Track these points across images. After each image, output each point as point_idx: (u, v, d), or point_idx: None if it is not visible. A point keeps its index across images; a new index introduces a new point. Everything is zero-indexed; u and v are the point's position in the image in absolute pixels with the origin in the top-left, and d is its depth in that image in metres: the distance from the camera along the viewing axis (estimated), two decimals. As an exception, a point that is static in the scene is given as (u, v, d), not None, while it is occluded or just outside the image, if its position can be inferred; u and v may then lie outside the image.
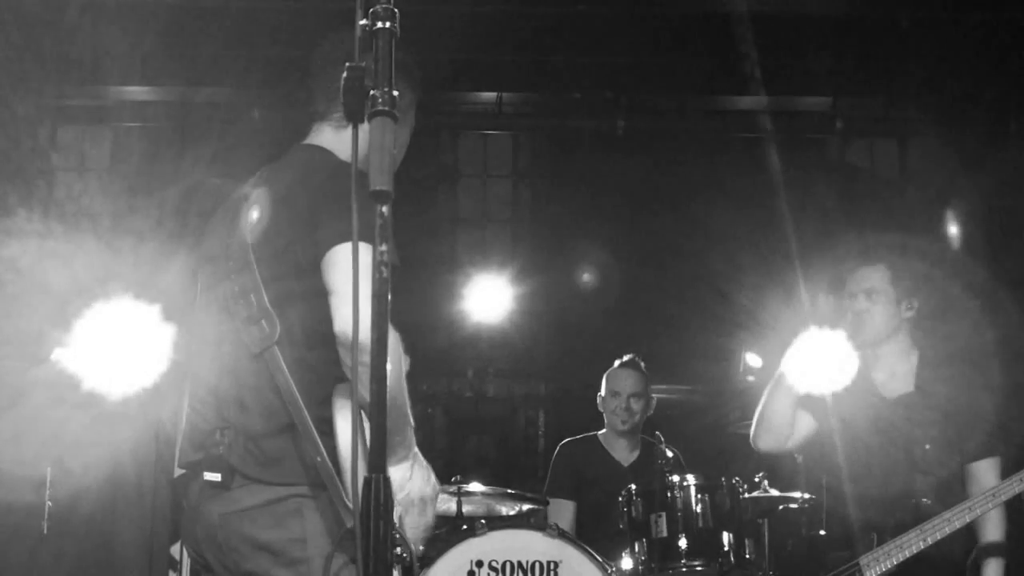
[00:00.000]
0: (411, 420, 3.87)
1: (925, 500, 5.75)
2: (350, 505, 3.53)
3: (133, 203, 9.83)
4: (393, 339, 3.44)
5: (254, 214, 4.02)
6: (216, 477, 3.83)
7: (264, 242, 3.91)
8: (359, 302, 2.75)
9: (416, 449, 3.93)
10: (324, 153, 4.09)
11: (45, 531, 7.33)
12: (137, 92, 9.99)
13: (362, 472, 2.51)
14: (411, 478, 3.90)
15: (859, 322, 6.13)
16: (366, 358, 3.56)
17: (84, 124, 10.85)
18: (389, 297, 2.45)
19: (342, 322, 3.64)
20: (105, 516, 7.92)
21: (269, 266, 3.85)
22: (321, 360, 3.73)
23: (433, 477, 4.00)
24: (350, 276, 3.62)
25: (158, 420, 8.10)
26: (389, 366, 2.52)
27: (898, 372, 6.10)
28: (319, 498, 3.73)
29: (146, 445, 8.11)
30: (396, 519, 3.87)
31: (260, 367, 3.79)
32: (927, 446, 5.87)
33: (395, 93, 2.46)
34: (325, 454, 3.69)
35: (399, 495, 3.84)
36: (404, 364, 3.85)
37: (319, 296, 3.73)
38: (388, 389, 3.25)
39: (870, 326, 6.10)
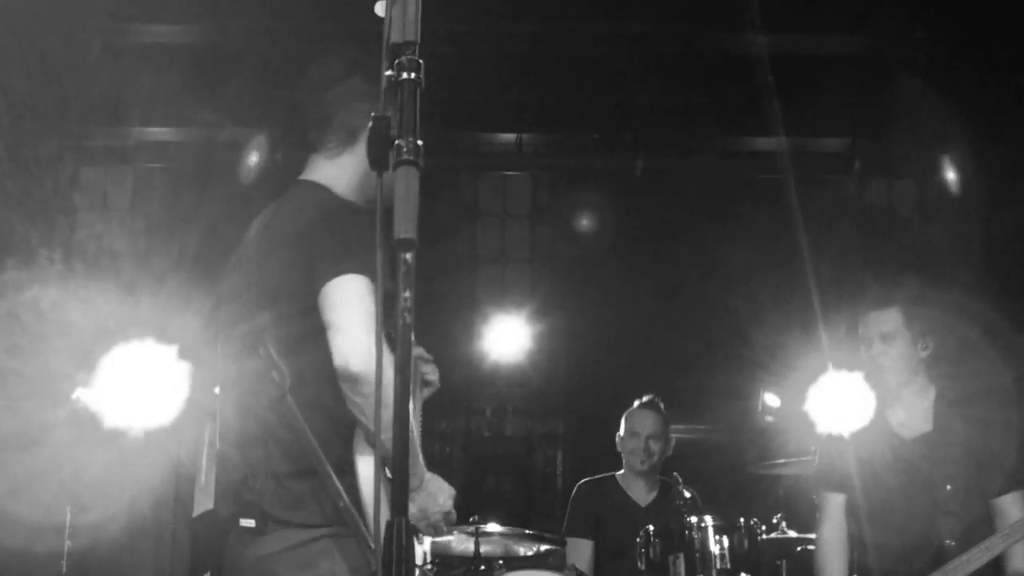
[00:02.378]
0: (419, 451, 3.92)
1: (949, 542, 5.69)
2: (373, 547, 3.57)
3: (154, 243, 9.87)
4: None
5: (258, 255, 4.06)
6: (251, 523, 3.89)
7: (269, 283, 3.95)
8: (378, 337, 2.78)
9: (427, 475, 3.97)
10: (319, 189, 4.09)
11: (64, 571, 7.36)
12: (159, 133, 10.05)
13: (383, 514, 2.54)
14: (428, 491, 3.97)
15: (877, 367, 6.08)
16: (367, 389, 3.62)
17: (106, 164, 10.91)
18: (413, 340, 2.47)
19: (340, 356, 3.68)
20: (124, 555, 7.94)
21: (276, 308, 3.89)
22: (337, 400, 3.76)
23: (444, 487, 4.05)
24: (345, 310, 3.69)
25: (177, 458, 8.14)
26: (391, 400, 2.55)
27: (916, 411, 6.03)
28: (347, 538, 3.77)
29: (165, 483, 8.13)
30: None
31: (278, 414, 3.82)
32: (948, 487, 5.78)
33: (420, 143, 2.49)
34: (347, 498, 3.73)
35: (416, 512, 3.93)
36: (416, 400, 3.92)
37: (324, 335, 3.76)
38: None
39: (890, 370, 6.05)
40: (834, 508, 6.20)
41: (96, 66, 9.19)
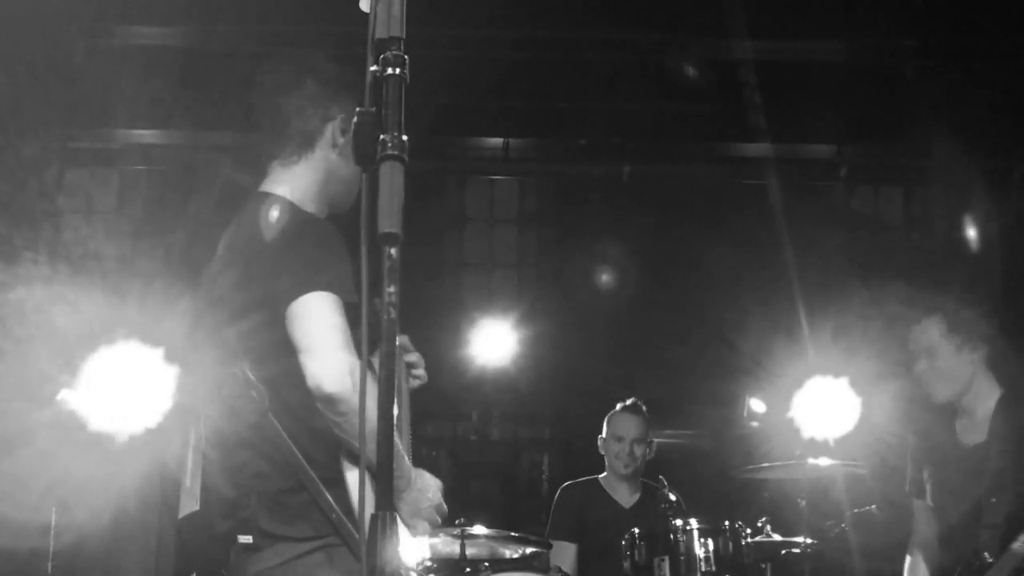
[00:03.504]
0: (404, 452, 3.94)
1: (987, 557, 5.59)
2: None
3: (139, 246, 9.85)
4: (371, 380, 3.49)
5: (223, 272, 4.05)
6: (248, 539, 3.88)
7: (235, 299, 3.93)
8: (362, 345, 2.76)
9: (413, 473, 3.98)
10: (277, 201, 4.03)
11: (50, 571, 7.34)
12: (144, 135, 10.03)
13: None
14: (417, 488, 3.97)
15: (927, 383, 5.93)
16: (344, 408, 3.61)
17: (91, 167, 10.88)
18: (397, 339, 2.47)
19: (312, 378, 3.67)
20: (110, 556, 7.93)
21: (244, 322, 3.87)
22: (315, 409, 3.74)
23: (431, 480, 4.06)
24: (311, 331, 3.67)
25: (163, 461, 8.12)
26: (372, 404, 2.54)
27: (978, 417, 5.88)
28: (341, 547, 3.78)
29: (151, 486, 8.12)
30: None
31: (262, 432, 3.83)
32: (993, 499, 5.63)
33: (405, 138, 2.48)
34: (338, 509, 3.73)
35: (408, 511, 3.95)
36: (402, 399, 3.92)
37: (294, 349, 3.75)
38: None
39: (941, 384, 5.89)
40: (920, 515, 6.14)
41: (81, 68, 9.18)
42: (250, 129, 4.31)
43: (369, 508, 2.49)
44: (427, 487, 3.99)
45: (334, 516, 3.74)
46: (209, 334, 4.05)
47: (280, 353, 3.77)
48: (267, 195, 4.09)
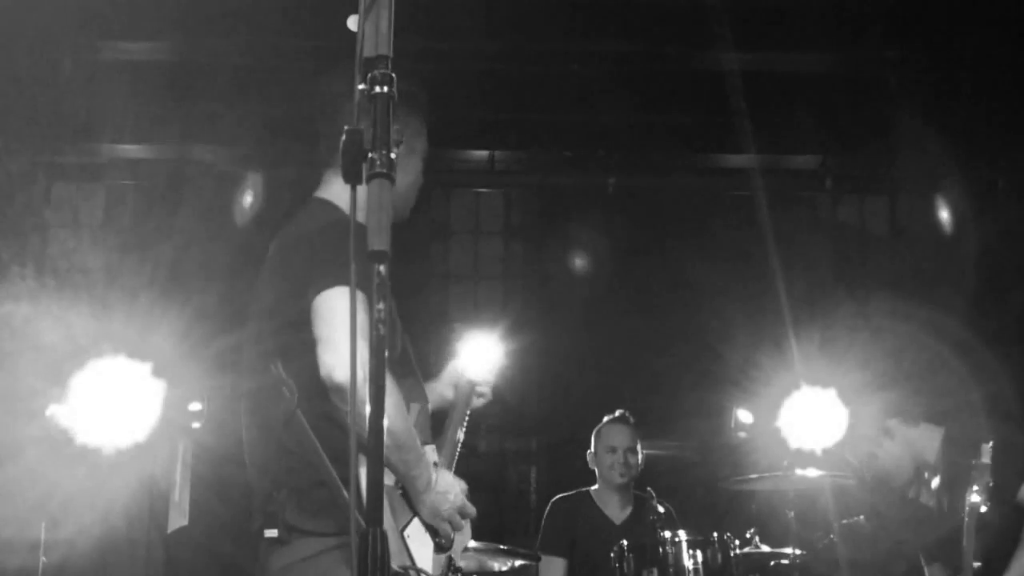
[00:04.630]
0: (422, 454, 3.99)
1: None
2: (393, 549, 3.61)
3: (126, 260, 9.84)
4: (392, 386, 3.52)
5: (268, 272, 4.13)
6: (274, 533, 3.93)
7: (272, 298, 4.02)
8: (355, 349, 2.78)
9: (434, 475, 4.03)
10: (326, 206, 4.12)
11: (39, 587, 7.34)
12: (131, 150, 10.02)
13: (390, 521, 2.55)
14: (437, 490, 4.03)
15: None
16: (361, 397, 3.64)
17: (78, 181, 10.86)
18: (386, 354, 2.48)
19: (324, 368, 3.74)
20: (99, 571, 7.92)
21: (275, 321, 3.96)
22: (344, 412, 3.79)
23: (453, 483, 4.16)
24: (331, 323, 3.71)
25: (151, 476, 8.12)
26: (393, 412, 2.57)
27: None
28: None
29: (139, 501, 8.12)
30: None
31: (291, 428, 3.84)
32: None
33: (392, 155, 2.50)
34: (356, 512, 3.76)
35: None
36: (412, 411, 3.95)
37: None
38: (397, 434, 3.36)
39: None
40: None
41: (67, 83, 9.18)
42: (241, 142, 4.36)
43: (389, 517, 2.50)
44: (449, 488, 4.03)
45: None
46: (251, 332, 4.15)
47: (306, 352, 3.83)
48: (317, 200, 4.19)
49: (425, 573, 4.02)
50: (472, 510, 4.13)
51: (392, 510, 3.90)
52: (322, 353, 3.76)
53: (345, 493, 3.77)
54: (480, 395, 4.54)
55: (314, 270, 3.85)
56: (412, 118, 4.19)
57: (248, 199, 9.74)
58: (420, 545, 4.03)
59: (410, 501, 3.99)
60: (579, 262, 11.48)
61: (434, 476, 4.02)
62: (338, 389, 3.70)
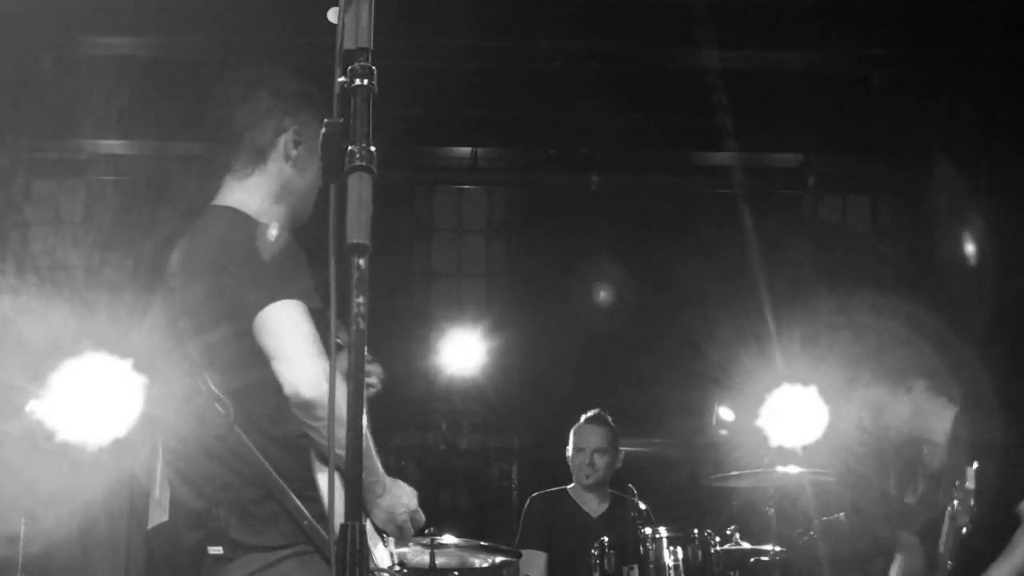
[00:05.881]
0: (377, 459, 3.94)
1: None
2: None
3: (107, 256, 9.82)
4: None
5: (182, 285, 4.02)
6: (219, 550, 3.87)
7: (197, 312, 3.91)
8: (334, 359, 2.75)
9: (388, 480, 4.00)
10: (233, 213, 4.03)
11: (19, 583, 7.32)
12: (112, 145, 9.99)
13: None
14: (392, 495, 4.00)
15: (881, 435, 6.12)
16: (321, 413, 3.61)
17: (58, 177, 10.84)
18: (365, 350, 2.47)
19: (289, 385, 3.67)
20: (79, 567, 7.92)
21: (208, 335, 3.86)
22: (280, 420, 3.77)
23: (407, 488, 4.09)
24: (284, 338, 3.67)
25: (131, 472, 8.11)
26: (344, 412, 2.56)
27: (939, 443, 6.02)
28: (313, 555, 3.78)
29: (119, 497, 8.11)
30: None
31: (228, 445, 3.81)
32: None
33: (372, 148, 2.49)
34: (311, 517, 3.74)
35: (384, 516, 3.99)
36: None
37: (261, 359, 3.75)
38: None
39: (892, 432, 6.12)
40: None
41: (48, 78, 9.14)
42: (209, 140, 4.31)
43: (340, 514, 2.50)
44: (403, 493, 4.01)
45: (306, 523, 3.74)
46: (172, 347, 4.02)
47: (246, 365, 3.78)
48: (222, 208, 4.09)
49: (383, 571, 4.02)
50: (422, 518, 4.10)
51: None
52: (282, 371, 3.69)
53: (297, 501, 3.76)
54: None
55: (250, 285, 3.77)
56: (311, 118, 4.13)
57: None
58: (373, 547, 4.03)
59: (365, 508, 3.96)
60: (561, 260, 11.48)
61: (388, 481, 3.99)
62: (306, 405, 3.64)
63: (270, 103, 4.08)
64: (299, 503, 3.75)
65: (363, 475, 3.66)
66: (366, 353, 3.98)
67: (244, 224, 3.97)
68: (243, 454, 3.78)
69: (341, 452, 2.50)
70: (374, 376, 4.44)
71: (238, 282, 3.80)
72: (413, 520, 4.06)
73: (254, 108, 4.09)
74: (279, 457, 3.79)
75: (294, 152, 4.10)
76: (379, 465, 3.94)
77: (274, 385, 3.71)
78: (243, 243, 3.88)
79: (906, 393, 6.03)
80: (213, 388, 3.78)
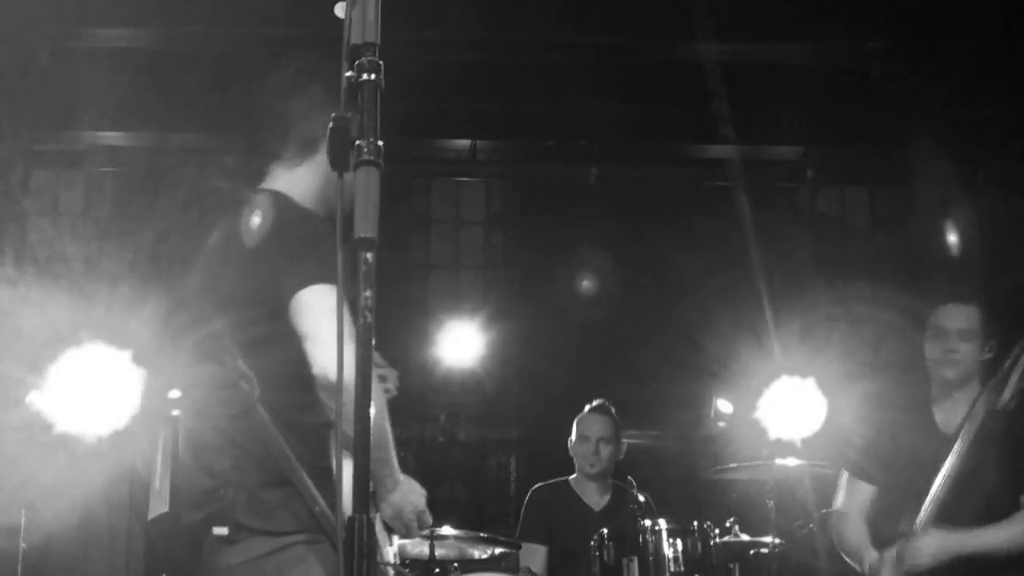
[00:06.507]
0: (393, 454, 3.96)
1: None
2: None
3: (106, 247, 9.82)
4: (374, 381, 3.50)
5: (220, 263, 4.07)
6: (224, 531, 3.87)
7: (230, 290, 3.94)
8: (341, 344, 2.76)
9: (401, 477, 4.02)
10: (281, 198, 4.06)
11: (19, 573, 7.32)
12: (110, 137, 10.00)
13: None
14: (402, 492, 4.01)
15: (949, 362, 5.94)
16: (347, 397, 3.62)
17: (57, 168, 10.83)
18: (373, 342, 2.48)
19: (320, 366, 3.68)
20: (78, 559, 7.93)
21: (238, 313, 3.88)
22: (303, 405, 3.78)
23: (418, 488, 4.11)
24: (319, 320, 3.67)
25: (131, 463, 8.11)
26: (373, 407, 2.57)
27: (959, 410, 5.92)
28: (323, 543, 3.78)
29: (119, 488, 8.12)
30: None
31: (247, 423, 3.82)
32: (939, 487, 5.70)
33: (380, 143, 2.50)
34: (323, 503, 3.74)
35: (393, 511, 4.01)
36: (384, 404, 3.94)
37: (292, 341, 3.76)
38: (375, 431, 3.35)
39: (961, 367, 5.93)
40: (854, 488, 6.20)
41: (46, 70, 9.15)
42: (221, 130, 4.33)
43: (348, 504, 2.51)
44: (412, 492, 4.03)
45: (317, 509, 3.74)
46: (195, 325, 4.05)
47: (274, 346, 3.81)
48: (269, 192, 4.12)
49: (391, 565, 4.03)
50: (429, 519, 4.12)
51: None
52: (314, 353, 3.70)
53: (311, 487, 3.77)
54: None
55: (289, 265, 3.80)
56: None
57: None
58: (380, 542, 4.04)
59: (375, 500, 3.98)
60: (560, 253, 11.48)
61: (400, 478, 4.00)
62: (335, 388, 3.68)
63: (322, 96, 4.09)
64: (313, 489, 3.76)
65: (376, 467, 3.70)
66: (379, 359, 4.00)
67: (290, 208, 4.02)
68: (261, 434, 3.78)
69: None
70: (390, 382, 4.47)
71: (278, 263, 3.83)
72: (419, 520, 4.07)
73: (307, 100, 4.11)
74: (295, 443, 3.80)
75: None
76: (395, 460, 3.94)
77: (297, 371, 3.72)
78: (286, 224, 3.92)
79: (988, 352, 5.96)
80: (241, 364, 3.79)
